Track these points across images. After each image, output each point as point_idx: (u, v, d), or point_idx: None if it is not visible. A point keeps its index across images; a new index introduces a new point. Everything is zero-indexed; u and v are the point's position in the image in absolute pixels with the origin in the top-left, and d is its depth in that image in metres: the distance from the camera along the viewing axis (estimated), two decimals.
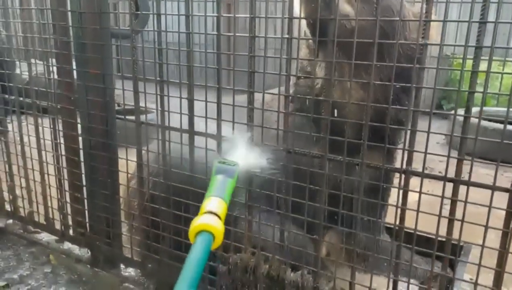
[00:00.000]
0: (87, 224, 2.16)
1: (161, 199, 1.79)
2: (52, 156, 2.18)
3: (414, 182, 1.32)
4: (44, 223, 2.35)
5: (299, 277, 1.59)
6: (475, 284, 1.30)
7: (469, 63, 1.20)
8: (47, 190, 2.27)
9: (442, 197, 1.29)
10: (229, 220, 1.65)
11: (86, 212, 2.14)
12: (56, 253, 2.30)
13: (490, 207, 1.22)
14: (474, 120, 1.21)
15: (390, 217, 1.47)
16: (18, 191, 2.42)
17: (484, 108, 1.31)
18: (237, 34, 1.48)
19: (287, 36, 1.38)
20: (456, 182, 1.28)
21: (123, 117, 1.89)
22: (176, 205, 1.75)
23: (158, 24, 1.60)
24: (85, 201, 2.12)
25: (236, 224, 1.67)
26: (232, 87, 1.52)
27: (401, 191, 1.35)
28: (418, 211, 1.32)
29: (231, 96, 1.53)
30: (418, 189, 1.32)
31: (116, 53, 1.99)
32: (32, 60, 2.14)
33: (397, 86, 1.33)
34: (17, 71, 2.29)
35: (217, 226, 1.03)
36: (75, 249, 2.30)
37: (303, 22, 1.49)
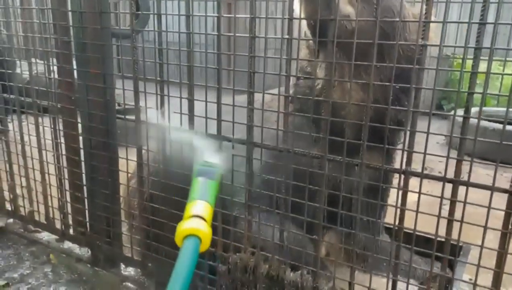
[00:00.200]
0: (88, 224, 2.16)
1: (161, 198, 1.79)
2: (52, 156, 2.18)
3: (414, 182, 1.32)
4: (45, 222, 2.35)
5: (299, 277, 1.59)
6: (474, 284, 1.30)
7: (469, 63, 1.20)
8: (47, 190, 2.27)
9: (442, 197, 1.29)
10: (229, 220, 1.66)
11: (87, 211, 2.14)
12: (56, 252, 2.31)
13: (489, 207, 1.22)
14: (473, 121, 1.21)
15: (390, 218, 1.47)
16: (18, 191, 2.43)
17: (484, 108, 1.31)
18: (237, 34, 1.49)
19: (287, 36, 1.38)
20: (456, 182, 1.28)
21: (123, 116, 1.89)
22: (176, 204, 1.75)
23: (158, 24, 1.61)
24: (86, 200, 2.12)
25: (236, 224, 1.68)
26: (232, 87, 1.53)
27: (400, 192, 1.35)
28: (417, 211, 1.32)
29: (231, 96, 1.53)
30: (417, 190, 1.32)
31: (116, 53, 1.99)
32: (33, 60, 2.14)
33: (397, 87, 1.33)
34: (18, 70, 2.29)
35: (204, 230, 1.04)
36: (76, 248, 2.30)
37: (304, 22, 1.49)
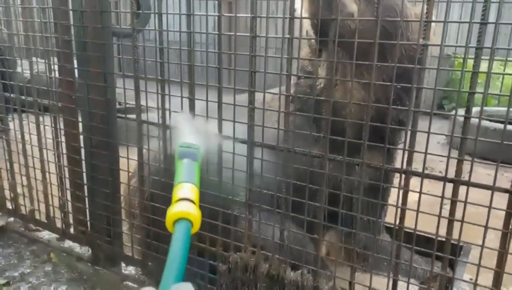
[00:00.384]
0: (88, 223, 2.16)
1: (162, 197, 1.79)
2: (53, 155, 2.18)
3: (414, 182, 1.32)
4: (45, 221, 2.35)
5: (299, 276, 1.59)
6: (475, 284, 1.30)
7: (470, 63, 1.20)
8: (48, 188, 2.28)
9: (442, 197, 1.29)
10: (229, 219, 1.66)
11: (87, 210, 2.14)
12: (57, 251, 2.31)
13: (490, 207, 1.22)
14: (474, 120, 1.21)
15: (390, 217, 1.47)
16: (19, 189, 2.43)
17: (485, 108, 1.31)
18: (238, 33, 1.48)
19: (288, 36, 1.38)
20: (456, 182, 1.28)
21: (124, 115, 1.89)
22: None
23: (159, 23, 1.61)
24: (86, 199, 2.12)
25: (236, 223, 1.68)
26: (233, 86, 1.53)
27: (401, 191, 1.35)
28: (418, 211, 1.32)
29: (231, 96, 1.53)
30: (418, 189, 1.32)
31: (117, 52, 1.99)
32: (34, 59, 2.14)
33: (398, 86, 1.33)
34: (19, 69, 2.29)
35: (194, 212, 1.03)
36: (76, 247, 2.30)
37: (306, 21, 1.49)
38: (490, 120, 4.53)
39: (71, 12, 1.88)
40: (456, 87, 1.23)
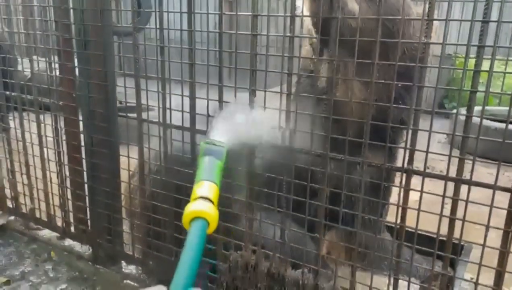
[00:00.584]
0: (89, 221, 2.16)
1: (162, 196, 1.79)
2: (53, 153, 2.18)
3: (415, 181, 1.32)
4: (46, 220, 2.35)
5: (300, 275, 1.59)
6: (476, 283, 1.30)
7: (472, 62, 1.19)
8: (48, 187, 2.27)
9: (444, 196, 1.29)
10: (230, 218, 1.65)
11: (88, 209, 2.14)
12: (57, 250, 2.31)
13: (491, 206, 1.22)
14: (476, 120, 1.21)
15: (391, 216, 1.47)
16: (19, 188, 2.43)
17: (486, 108, 1.31)
18: (239, 32, 1.48)
19: (289, 34, 1.38)
20: (458, 181, 1.28)
21: (124, 114, 1.89)
22: (177, 202, 1.75)
23: (160, 22, 1.60)
24: (87, 198, 2.12)
25: (237, 222, 1.68)
26: (234, 85, 1.52)
27: (402, 190, 1.35)
28: (419, 210, 1.32)
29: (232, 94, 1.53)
30: (419, 188, 1.32)
31: (118, 51, 1.99)
32: (34, 57, 2.14)
33: (400, 86, 1.33)
34: (19, 68, 2.29)
35: (211, 212, 1.02)
36: (77, 246, 2.30)
37: (307, 20, 1.49)
38: (492, 120, 4.52)
39: (71, 11, 1.88)
40: (457, 87, 1.23)
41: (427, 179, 1.30)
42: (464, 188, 1.26)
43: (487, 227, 1.23)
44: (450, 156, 1.26)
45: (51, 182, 2.26)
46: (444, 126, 5.19)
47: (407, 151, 1.31)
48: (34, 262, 2.22)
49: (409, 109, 1.29)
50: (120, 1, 2.01)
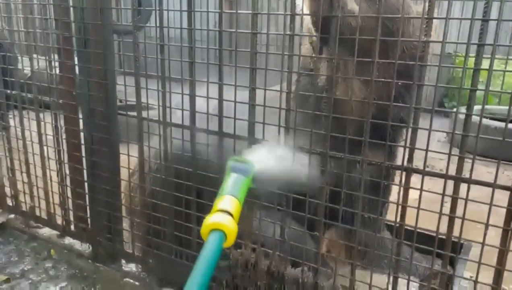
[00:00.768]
0: (89, 219, 2.16)
1: (162, 195, 1.80)
2: (53, 152, 2.18)
3: (415, 179, 1.32)
4: (46, 218, 2.36)
5: (299, 273, 1.60)
6: (475, 281, 1.30)
7: (471, 61, 1.19)
8: (48, 185, 2.28)
9: (443, 195, 1.29)
10: None
11: (88, 207, 2.14)
12: (57, 248, 2.31)
13: (490, 205, 1.22)
14: (475, 118, 1.21)
15: (391, 215, 1.47)
16: (19, 186, 2.43)
17: (486, 106, 1.31)
18: (239, 30, 1.48)
19: (289, 32, 1.38)
20: (457, 180, 1.28)
21: (124, 113, 1.89)
22: (177, 201, 1.75)
23: (160, 20, 1.60)
24: (87, 196, 2.12)
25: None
26: (234, 83, 1.52)
27: (401, 189, 1.35)
28: (418, 208, 1.32)
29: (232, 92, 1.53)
30: (419, 187, 1.32)
31: (118, 49, 1.99)
32: (34, 55, 2.14)
33: (400, 84, 1.33)
34: (19, 66, 2.29)
35: (230, 225, 1.02)
36: (76, 244, 2.30)
37: (307, 19, 1.49)
38: (491, 118, 4.53)
39: (71, 9, 1.87)
40: (457, 86, 1.23)
41: (426, 178, 1.30)
42: (463, 187, 1.27)
43: (487, 225, 1.24)
44: (449, 154, 1.26)
45: (51, 180, 2.26)
46: (444, 125, 5.20)
47: (407, 150, 1.31)
48: (34, 260, 2.22)
49: (409, 108, 1.29)
50: None
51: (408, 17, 1.49)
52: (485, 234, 1.25)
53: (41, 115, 2.18)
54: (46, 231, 2.43)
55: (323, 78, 1.58)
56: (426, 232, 1.40)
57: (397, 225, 1.38)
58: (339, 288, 1.57)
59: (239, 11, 1.48)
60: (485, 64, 1.16)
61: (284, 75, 1.44)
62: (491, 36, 1.12)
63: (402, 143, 1.35)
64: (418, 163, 1.32)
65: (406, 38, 1.50)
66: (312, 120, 1.43)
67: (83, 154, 2.05)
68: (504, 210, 1.25)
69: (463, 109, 1.28)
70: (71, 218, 2.25)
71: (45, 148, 2.23)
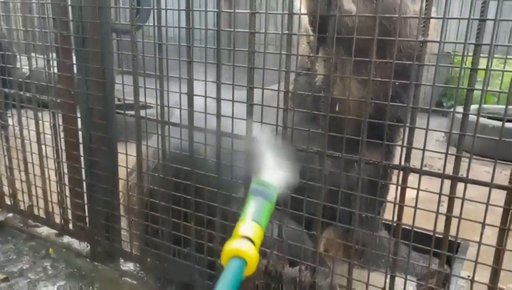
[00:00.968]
0: (87, 218, 2.16)
1: (160, 194, 1.80)
2: (52, 150, 2.18)
3: (412, 178, 1.32)
4: (44, 217, 2.36)
5: (297, 273, 1.60)
6: (472, 280, 1.30)
7: (469, 61, 1.20)
8: (47, 184, 2.28)
9: (440, 194, 1.29)
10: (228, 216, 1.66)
11: (86, 206, 2.14)
12: (55, 247, 2.31)
13: (487, 204, 1.23)
14: (473, 118, 1.21)
15: (388, 214, 1.47)
16: (18, 185, 2.43)
17: (484, 106, 1.31)
18: (237, 29, 1.48)
19: (287, 32, 1.38)
20: (454, 179, 1.28)
21: (123, 112, 1.89)
22: (175, 199, 1.76)
23: (158, 19, 1.60)
24: (85, 195, 2.12)
25: (235, 220, 1.68)
26: (232, 83, 1.53)
27: (399, 188, 1.35)
28: (416, 207, 1.33)
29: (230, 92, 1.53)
30: (416, 186, 1.32)
31: (116, 48, 1.99)
32: (32, 54, 2.14)
33: (397, 84, 1.33)
34: (18, 65, 2.28)
35: (251, 253, 1.02)
36: (75, 243, 2.30)
37: (305, 19, 1.49)
38: (489, 118, 4.53)
39: (70, 8, 1.87)
40: (454, 85, 1.23)
41: (424, 177, 1.31)
42: (460, 186, 1.27)
43: (483, 224, 1.24)
44: (447, 154, 1.26)
45: (49, 179, 2.26)
46: (442, 125, 5.20)
47: (404, 149, 1.32)
48: (32, 259, 2.22)
49: (406, 107, 1.29)
50: None
51: (405, 16, 1.49)
52: (482, 234, 1.25)
53: (39, 114, 2.18)
54: (44, 230, 2.43)
55: (320, 78, 1.58)
56: (424, 231, 1.41)
57: (395, 224, 1.38)
58: (336, 287, 1.58)
59: (237, 11, 1.48)
60: (483, 63, 1.16)
61: (282, 75, 1.44)
62: (488, 35, 1.12)
63: (400, 143, 1.35)
64: (415, 162, 1.32)
65: (403, 37, 1.51)
66: (309, 120, 1.43)
67: (81, 153, 2.05)
68: (501, 210, 1.25)
69: (461, 109, 1.28)
70: (70, 217, 2.25)
71: (43, 147, 2.23)
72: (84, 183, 2.10)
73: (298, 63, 1.68)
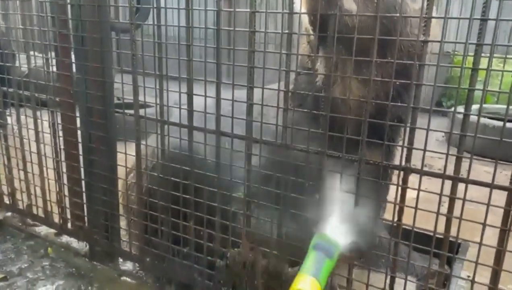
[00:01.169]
0: (86, 218, 2.16)
1: (160, 193, 1.79)
2: (51, 149, 2.18)
3: (413, 179, 1.31)
4: (43, 216, 2.35)
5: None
6: (472, 281, 1.30)
7: (470, 60, 1.19)
8: (45, 183, 2.27)
9: (441, 194, 1.29)
10: (228, 215, 1.65)
11: (85, 205, 2.14)
12: (54, 246, 2.31)
13: (488, 205, 1.22)
14: (473, 118, 1.21)
15: (389, 214, 1.47)
16: (16, 184, 2.42)
17: (484, 106, 1.31)
18: (237, 28, 1.48)
19: (287, 31, 1.37)
20: (455, 179, 1.28)
21: (122, 111, 1.88)
22: (174, 199, 1.75)
23: (158, 18, 1.60)
24: (84, 194, 2.12)
25: (234, 219, 1.68)
26: (232, 82, 1.52)
27: (399, 188, 1.35)
28: (416, 208, 1.32)
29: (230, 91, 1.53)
30: (416, 186, 1.32)
31: (115, 47, 1.98)
32: (31, 53, 2.13)
33: (398, 84, 1.32)
34: (16, 63, 2.27)
35: None
36: (74, 242, 2.30)
37: (305, 18, 1.48)
38: (489, 118, 4.53)
39: (69, 6, 1.86)
40: (455, 85, 1.22)
41: (424, 177, 1.30)
42: (461, 187, 1.27)
43: (484, 225, 1.24)
44: (447, 154, 1.26)
45: (48, 178, 2.25)
46: (441, 124, 5.20)
47: (405, 149, 1.31)
48: (31, 259, 2.22)
49: (407, 108, 1.28)
50: None
51: (406, 16, 1.48)
52: (482, 234, 1.25)
53: (38, 113, 2.18)
54: (43, 229, 2.43)
55: (320, 77, 1.57)
56: (424, 232, 1.40)
57: (395, 224, 1.38)
58: (336, 287, 1.57)
59: (237, 10, 1.47)
60: (483, 63, 1.16)
61: (282, 74, 1.44)
62: (489, 35, 1.11)
63: (400, 143, 1.34)
64: (416, 162, 1.32)
65: (404, 36, 1.50)
66: (310, 119, 1.43)
67: (80, 152, 2.05)
68: (502, 210, 1.25)
69: (461, 109, 1.27)
70: (68, 216, 2.24)
71: (42, 146, 2.22)
72: (83, 183, 2.09)
73: (298, 62, 1.67)
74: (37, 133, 2.22)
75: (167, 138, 1.72)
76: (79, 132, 2.03)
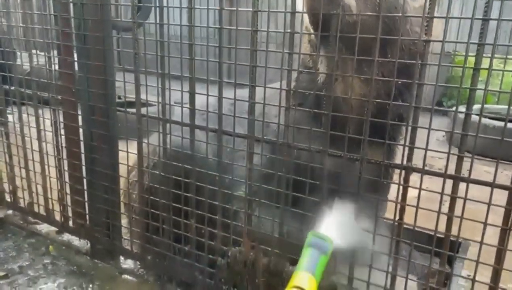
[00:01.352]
0: (87, 216, 2.16)
1: (161, 191, 1.79)
2: (52, 148, 2.18)
3: (414, 178, 1.32)
4: (44, 214, 2.36)
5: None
6: (473, 280, 1.30)
7: (471, 60, 1.19)
8: (47, 181, 2.27)
9: (442, 193, 1.29)
10: (229, 214, 1.66)
11: (86, 203, 2.14)
12: (55, 244, 2.31)
13: (489, 204, 1.23)
14: (475, 118, 1.21)
15: (390, 213, 1.47)
16: (18, 182, 2.43)
17: (485, 106, 1.31)
18: (239, 28, 1.48)
19: (289, 30, 1.38)
20: (456, 179, 1.28)
21: (124, 109, 1.89)
22: (175, 197, 1.75)
23: (160, 17, 1.60)
24: (85, 192, 2.12)
25: (235, 218, 1.68)
26: (234, 81, 1.52)
27: (401, 187, 1.35)
28: (417, 207, 1.33)
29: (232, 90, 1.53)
30: (418, 185, 1.32)
31: (117, 45, 1.99)
32: (33, 51, 2.13)
33: (400, 82, 1.33)
34: (18, 62, 2.28)
35: None
36: (75, 240, 2.30)
37: (305, 17, 1.48)
38: (490, 118, 4.53)
39: (71, 4, 1.87)
40: (456, 84, 1.23)
41: (425, 176, 1.30)
42: (462, 186, 1.27)
43: (485, 224, 1.24)
44: (449, 153, 1.26)
45: (49, 176, 2.26)
46: (442, 124, 5.20)
47: (406, 148, 1.31)
48: (32, 256, 2.22)
49: (409, 106, 1.29)
50: None
51: (407, 16, 1.48)
52: (483, 233, 1.25)
53: (40, 111, 2.18)
54: (44, 227, 2.43)
55: (322, 76, 1.58)
56: (425, 231, 1.41)
57: (396, 223, 1.38)
58: (337, 286, 1.58)
59: (239, 9, 1.48)
60: (484, 63, 1.16)
61: (284, 73, 1.44)
62: (490, 35, 1.12)
63: (402, 142, 1.34)
64: (417, 161, 1.32)
65: (404, 34, 1.50)
66: (311, 118, 1.43)
67: (82, 150, 2.05)
68: (503, 209, 1.25)
69: (462, 108, 1.28)
70: (70, 214, 2.25)
71: (44, 144, 2.23)
72: (85, 181, 2.10)
73: (300, 61, 1.68)
74: (38, 131, 2.22)
75: (168, 137, 1.73)
76: (80, 130, 2.04)
